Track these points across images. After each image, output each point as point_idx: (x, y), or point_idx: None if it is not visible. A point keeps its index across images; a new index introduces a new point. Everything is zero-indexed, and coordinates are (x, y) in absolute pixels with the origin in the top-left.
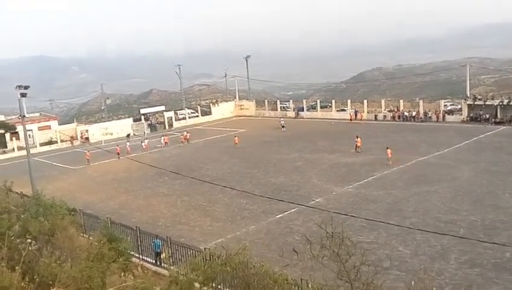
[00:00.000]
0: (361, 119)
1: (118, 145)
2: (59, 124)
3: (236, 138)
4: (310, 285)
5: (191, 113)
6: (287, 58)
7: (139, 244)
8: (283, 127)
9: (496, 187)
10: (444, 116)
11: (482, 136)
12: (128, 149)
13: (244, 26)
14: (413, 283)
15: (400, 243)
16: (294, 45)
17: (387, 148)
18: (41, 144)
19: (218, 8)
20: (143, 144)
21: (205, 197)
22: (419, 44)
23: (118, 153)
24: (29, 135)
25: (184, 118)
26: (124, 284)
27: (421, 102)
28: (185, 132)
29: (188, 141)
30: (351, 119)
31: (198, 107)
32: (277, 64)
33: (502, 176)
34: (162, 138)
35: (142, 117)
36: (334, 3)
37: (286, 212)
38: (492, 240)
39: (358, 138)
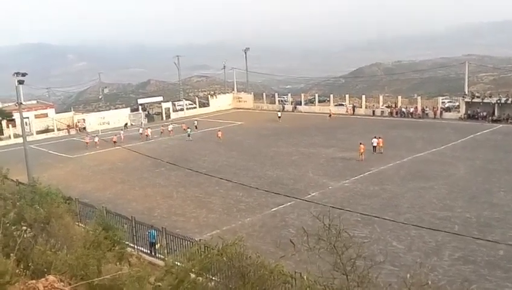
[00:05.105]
0: (346, 112)
1: (115, 135)
2: (56, 112)
3: (219, 132)
4: (305, 277)
5: (189, 104)
6: (286, 52)
7: (135, 234)
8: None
9: (491, 185)
10: (441, 113)
11: (479, 133)
12: (122, 137)
13: (243, 19)
14: (408, 275)
15: (394, 238)
16: (293, 39)
17: (360, 143)
18: (38, 132)
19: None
20: (141, 130)
21: (201, 188)
22: (419, 40)
23: (115, 142)
24: (25, 123)
25: (182, 109)
26: (119, 272)
27: (419, 98)
28: (170, 125)
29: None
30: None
31: (196, 98)
32: (276, 58)
33: (497, 174)
34: (142, 129)
35: (140, 107)
36: None
37: (281, 206)
38: (486, 237)
39: (379, 138)
